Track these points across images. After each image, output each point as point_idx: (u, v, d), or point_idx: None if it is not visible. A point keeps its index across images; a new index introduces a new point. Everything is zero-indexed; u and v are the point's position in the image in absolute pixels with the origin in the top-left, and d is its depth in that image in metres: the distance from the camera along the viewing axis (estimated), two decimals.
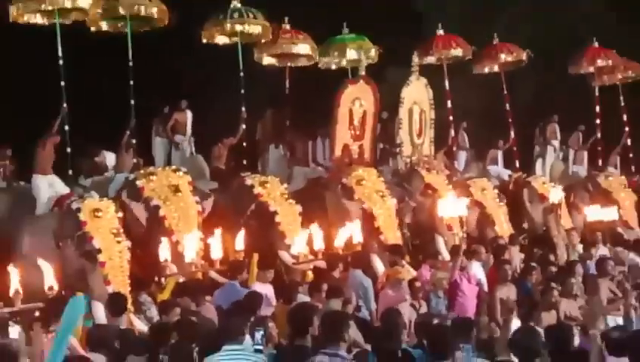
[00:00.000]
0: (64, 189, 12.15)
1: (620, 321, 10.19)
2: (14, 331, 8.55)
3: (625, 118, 20.14)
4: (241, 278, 10.92)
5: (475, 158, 17.92)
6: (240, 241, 11.48)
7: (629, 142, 20.08)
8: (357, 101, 14.97)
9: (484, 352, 7.43)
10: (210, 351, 7.00)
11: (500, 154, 18.32)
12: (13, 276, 9.08)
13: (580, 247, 14.51)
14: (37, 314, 8.90)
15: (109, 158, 14.11)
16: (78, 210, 11.23)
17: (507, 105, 18.63)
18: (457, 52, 18.19)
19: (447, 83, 17.88)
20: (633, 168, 20.05)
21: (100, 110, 16.68)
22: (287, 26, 16.55)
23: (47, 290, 9.08)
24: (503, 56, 18.73)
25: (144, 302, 10.40)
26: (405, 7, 20.19)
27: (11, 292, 8.98)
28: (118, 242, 11.20)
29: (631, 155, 20.11)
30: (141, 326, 9.62)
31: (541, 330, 7.52)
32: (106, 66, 16.76)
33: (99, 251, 10.94)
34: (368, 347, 7.66)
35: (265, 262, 11.46)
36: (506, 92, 18.73)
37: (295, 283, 10.96)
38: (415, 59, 16.16)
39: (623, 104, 20.24)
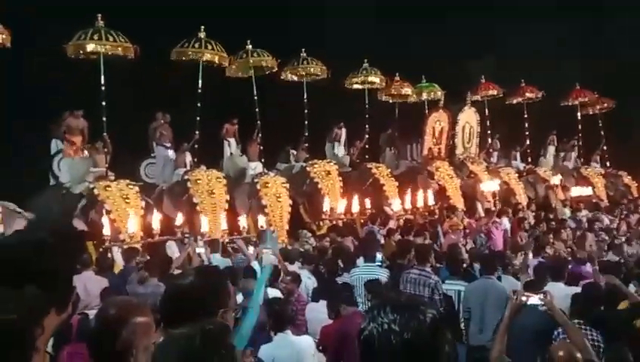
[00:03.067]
0: (260, 170, 12.20)
1: None
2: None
3: (602, 132, 19.02)
4: (370, 223, 10.72)
5: (503, 156, 17.23)
6: (368, 202, 11.51)
7: (604, 147, 18.97)
8: (438, 122, 14.83)
9: (509, 273, 7.26)
10: (350, 265, 6.94)
11: (518, 154, 17.61)
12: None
13: (568, 212, 13.88)
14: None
15: (292, 153, 13.96)
16: (257, 183, 11.27)
17: (526, 124, 17.82)
18: (493, 92, 17.57)
19: (486, 111, 17.24)
20: (608, 163, 18.83)
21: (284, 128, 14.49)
22: (398, 78, 16.14)
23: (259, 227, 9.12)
24: (527, 94, 17.93)
25: (305, 234, 10.05)
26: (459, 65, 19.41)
27: None
28: (279, 201, 11.13)
29: (606, 156, 18.93)
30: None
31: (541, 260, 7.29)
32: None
33: (265, 206, 10.87)
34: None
35: (375, 214, 11.38)
36: (526, 115, 17.90)
37: (393, 229, 10.27)
38: (468, 96, 15.90)
39: (600, 124, 19.08)
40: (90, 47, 10.61)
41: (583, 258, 8.03)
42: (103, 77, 10.66)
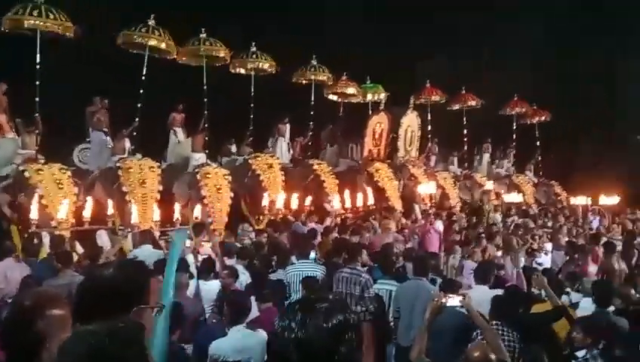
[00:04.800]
0: (203, 161, 12.03)
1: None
2: None
3: (538, 143, 19.76)
4: (300, 219, 10.80)
5: (440, 160, 17.67)
6: (308, 199, 11.58)
7: (539, 158, 19.72)
8: (378, 124, 15.02)
9: (437, 273, 7.45)
10: (284, 262, 6.89)
11: (455, 159, 18.09)
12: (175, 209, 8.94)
13: (499, 216, 14.40)
14: None
15: (234, 148, 13.89)
16: (197, 173, 11.05)
17: (465, 130, 18.28)
18: (436, 97, 17.89)
19: (429, 115, 17.60)
20: (541, 173, 19.61)
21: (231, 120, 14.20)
22: (345, 77, 16.19)
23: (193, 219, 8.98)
24: (469, 103, 18.36)
25: (245, 228, 9.88)
26: (407, 67, 19.73)
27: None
28: (220, 193, 10.96)
29: (540, 165, 19.67)
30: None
31: (474, 263, 7.54)
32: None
33: (204, 197, 10.69)
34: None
35: (313, 211, 11.39)
36: (465, 122, 18.35)
37: (330, 227, 10.27)
38: (411, 100, 16.13)
39: (537, 135, 19.80)
40: (29, 22, 10.10)
41: (500, 263, 8.36)
42: (38, 55, 10.20)
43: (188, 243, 7.64)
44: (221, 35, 12.95)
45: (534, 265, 8.87)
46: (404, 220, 12.28)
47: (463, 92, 18.52)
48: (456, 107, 18.61)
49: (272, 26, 15.80)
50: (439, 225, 11.69)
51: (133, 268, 2.01)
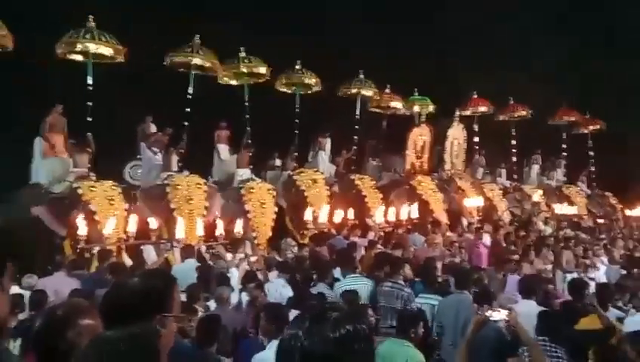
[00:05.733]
0: (248, 177, 12.10)
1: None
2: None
3: (591, 153, 19.12)
4: (342, 233, 10.75)
5: (488, 173, 17.27)
6: (351, 212, 11.55)
7: (592, 168, 19.06)
8: (420, 137, 14.91)
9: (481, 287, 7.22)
10: (325, 275, 6.76)
11: (504, 171, 17.69)
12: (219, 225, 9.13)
13: (549, 229, 13.94)
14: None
15: (278, 162, 14.02)
16: (242, 188, 11.24)
17: (513, 141, 17.81)
18: (483, 108, 17.59)
19: (476, 127, 17.34)
20: (595, 184, 18.92)
21: (273, 138, 14.29)
22: (388, 90, 16.16)
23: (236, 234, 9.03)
24: (518, 113, 17.95)
25: (288, 243, 9.88)
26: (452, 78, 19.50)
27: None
28: (263, 208, 11.06)
29: (593, 176, 19.02)
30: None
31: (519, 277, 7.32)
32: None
33: (248, 212, 10.79)
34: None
35: (356, 225, 11.30)
36: (514, 133, 17.91)
37: (374, 241, 10.18)
38: (457, 112, 16.00)
39: (589, 144, 19.18)
40: (81, 46, 10.54)
41: (550, 277, 8.06)
42: (90, 77, 10.62)
43: (229, 256, 7.75)
44: (260, 53, 13.13)
45: (586, 280, 8.50)
46: (450, 234, 12.06)
47: (512, 102, 18.13)
48: (505, 117, 18.23)
49: (312, 40, 15.90)
50: (487, 239, 11.43)
51: (157, 276, 2.02)
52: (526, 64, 19.37)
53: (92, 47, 10.52)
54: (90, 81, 10.60)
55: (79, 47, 10.55)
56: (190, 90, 11.97)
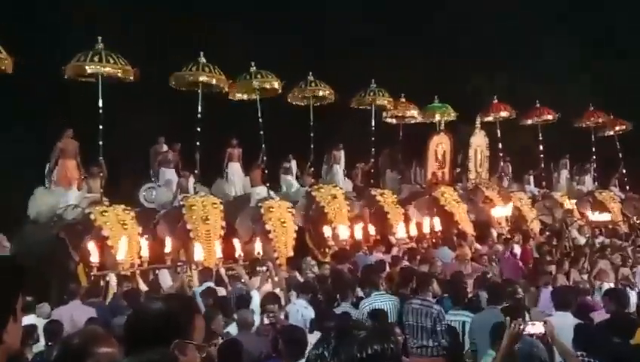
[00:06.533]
0: (265, 195, 12.13)
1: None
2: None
3: (620, 155, 18.80)
4: (364, 250, 10.72)
5: (514, 180, 17.14)
6: (372, 229, 11.52)
7: (623, 170, 18.71)
8: (440, 145, 14.91)
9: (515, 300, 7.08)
10: (347, 294, 6.76)
11: (531, 178, 17.51)
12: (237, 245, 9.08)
13: (583, 238, 13.68)
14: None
15: (293, 164, 14.01)
16: (261, 207, 11.22)
17: (540, 146, 17.70)
18: (505, 114, 17.46)
19: (499, 133, 17.20)
20: (628, 187, 18.54)
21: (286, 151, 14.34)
22: (403, 99, 16.12)
23: (256, 254, 8.91)
24: (544, 117, 17.79)
25: (308, 262, 9.79)
26: (471, 84, 19.44)
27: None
28: (284, 226, 11.05)
29: (625, 179, 18.64)
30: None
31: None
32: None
33: (268, 232, 10.82)
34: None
35: (379, 241, 11.33)
36: (541, 137, 17.74)
37: (398, 257, 10.12)
38: (478, 119, 15.95)
39: (618, 147, 18.84)
40: (91, 68, 10.65)
41: (586, 289, 7.91)
42: (101, 100, 10.76)
43: (245, 278, 7.73)
44: (272, 68, 13.22)
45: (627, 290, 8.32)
46: (477, 246, 11.93)
47: (537, 105, 17.97)
48: (529, 122, 18.09)
49: (319, 51, 16.01)
50: (517, 250, 11.27)
51: (178, 302, 2.01)
52: (547, 63, 19.29)
53: (101, 69, 10.60)
54: (100, 103, 10.70)
55: (88, 69, 10.66)
56: (199, 109, 12.04)
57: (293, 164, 14.06)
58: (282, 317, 6.01)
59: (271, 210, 11.22)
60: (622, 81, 19.43)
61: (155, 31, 13.92)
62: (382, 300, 6.52)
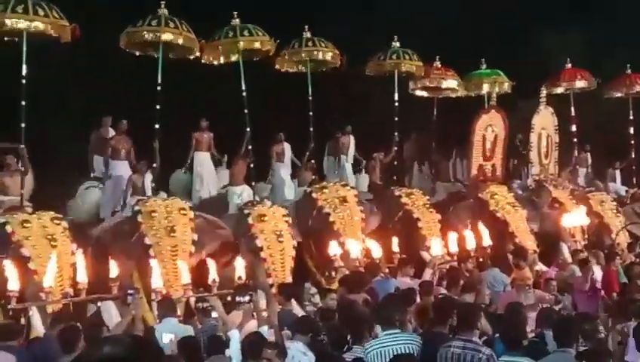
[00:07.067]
0: (250, 197, 12.12)
1: None
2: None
3: None
4: (382, 272, 10.65)
5: (595, 176, 17.19)
6: (395, 244, 11.45)
7: None
8: (489, 127, 14.92)
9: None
10: (361, 334, 6.76)
11: (617, 173, 17.62)
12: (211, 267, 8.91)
13: None
14: (229, 298, 8.46)
15: (287, 146, 14.22)
16: (248, 214, 11.08)
17: (631, 129, 17.79)
18: (582, 83, 17.55)
19: (572, 110, 17.21)
20: None
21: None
22: (438, 64, 16.23)
23: (236, 279, 8.74)
24: (637, 87, 17.86)
25: (308, 290, 9.97)
26: (534, 43, 19.46)
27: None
28: (280, 242, 10.95)
29: None
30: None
31: None
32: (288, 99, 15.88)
33: (260, 249, 10.70)
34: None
35: (407, 260, 11.29)
36: (632, 117, 17.80)
37: (429, 283, 9.79)
38: (543, 91, 15.95)
39: None
40: (12, 22, 10.41)
41: None
42: (25, 66, 10.61)
43: (221, 311, 7.68)
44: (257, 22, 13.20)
45: None
46: (542, 267, 11.93)
47: (629, 72, 18.02)
48: (617, 95, 18.17)
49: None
50: (598, 273, 11.25)
51: (132, 346, 1.98)
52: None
53: (25, 24, 10.41)
54: (24, 71, 10.55)
55: (8, 23, 10.41)
56: (159, 79, 11.94)
57: (287, 147, 14.09)
58: None
59: (263, 219, 11.11)
60: None
61: None
62: (395, 341, 6.43)
